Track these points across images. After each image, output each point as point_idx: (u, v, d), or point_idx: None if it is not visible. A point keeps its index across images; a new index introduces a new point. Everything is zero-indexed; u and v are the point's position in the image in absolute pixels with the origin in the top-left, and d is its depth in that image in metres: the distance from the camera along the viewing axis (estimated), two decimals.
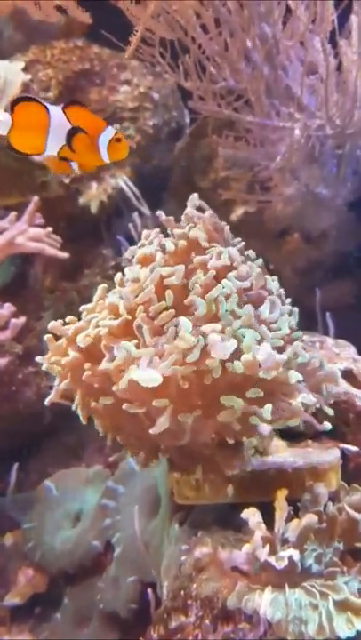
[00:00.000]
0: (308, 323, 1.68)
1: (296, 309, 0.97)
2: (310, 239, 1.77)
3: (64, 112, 0.86)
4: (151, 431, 0.82)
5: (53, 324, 0.95)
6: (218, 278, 0.89)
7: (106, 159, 0.88)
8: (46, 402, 0.96)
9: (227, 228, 1.02)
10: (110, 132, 0.87)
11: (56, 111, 0.86)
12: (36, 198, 1.51)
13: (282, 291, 0.98)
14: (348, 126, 1.44)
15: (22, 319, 1.39)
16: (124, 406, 0.83)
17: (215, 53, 1.39)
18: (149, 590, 1.11)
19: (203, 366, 0.80)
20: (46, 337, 0.95)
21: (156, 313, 0.85)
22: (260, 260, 0.99)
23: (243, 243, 1.02)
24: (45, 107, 0.86)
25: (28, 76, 1.71)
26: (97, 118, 0.89)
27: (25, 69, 1.73)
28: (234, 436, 0.87)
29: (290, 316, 0.93)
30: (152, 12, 1.29)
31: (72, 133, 0.85)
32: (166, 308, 0.86)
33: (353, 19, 1.38)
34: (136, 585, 1.15)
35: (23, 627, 1.27)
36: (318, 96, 1.42)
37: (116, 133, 0.87)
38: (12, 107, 0.85)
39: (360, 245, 1.76)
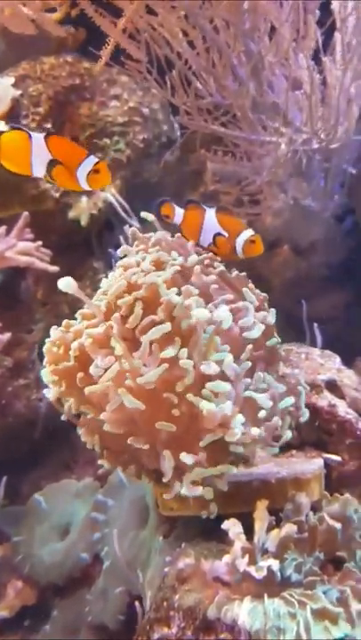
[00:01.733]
0: (298, 334, 1.70)
1: (273, 310, 0.98)
2: (299, 251, 1.79)
3: (46, 141, 0.91)
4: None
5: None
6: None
7: (86, 188, 0.92)
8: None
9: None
10: (90, 162, 0.91)
11: (38, 139, 0.92)
12: (25, 213, 1.53)
13: (265, 296, 0.99)
14: (333, 141, 1.46)
15: (7, 335, 1.40)
16: (129, 440, 0.84)
17: (201, 69, 1.41)
18: (137, 602, 1.12)
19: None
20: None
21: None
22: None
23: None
24: (30, 135, 0.92)
25: (19, 92, 1.73)
26: (77, 148, 0.93)
27: (15, 85, 1.75)
28: None
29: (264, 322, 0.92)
30: (134, 27, 1.31)
31: (51, 165, 0.91)
32: None
33: (336, 35, 1.41)
34: (123, 596, 1.16)
35: (13, 638, 1.27)
36: (304, 111, 1.45)
37: (96, 164, 0.91)
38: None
39: (348, 257, 1.77)
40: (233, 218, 1.03)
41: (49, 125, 1.74)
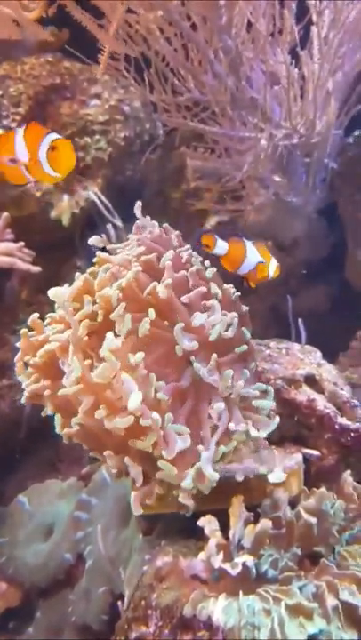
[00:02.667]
0: (283, 329, 1.70)
1: (247, 308, 0.99)
2: (283, 247, 1.79)
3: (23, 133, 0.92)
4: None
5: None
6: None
7: (48, 171, 0.88)
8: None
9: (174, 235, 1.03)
10: (48, 139, 0.87)
11: (19, 135, 0.92)
12: (5, 214, 1.52)
13: (237, 294, 0.99)
14: (312, 135, 1.46)
15: None
16: (130, 442, 0.84)
17: (179, 65, 1.41)
18: (119, 602, 1.11)
19: None
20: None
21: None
22: (213, 269, 1.00)
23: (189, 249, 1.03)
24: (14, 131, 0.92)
25: None
26: (40, 130, 0.91)
27: None
28: None
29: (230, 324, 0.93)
30: (115, 27, 1.30)
31: None
32: None
33: (313, 29, 1.40)
34: (107, 596, 1.15)
35: None
36: (283, 106, 1.44)
37: (55, 140, 0.87)
38: None
39: (331, 251, 1.77)
40: (262, 246, 1.13)
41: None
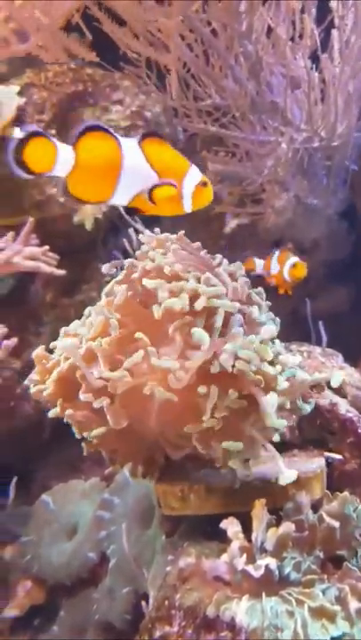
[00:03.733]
0: (302, 332, 1.71)
1: (278, 320, 0.99)
2: (303, 249, 1.79)
3: (141, 147, 0.68)
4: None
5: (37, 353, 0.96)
6: None
7: (189, 209, 0.72)
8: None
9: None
10: (195, 175, 0.70)
11: (131, 147, 0.68)
12: (31, 219, 1.55)
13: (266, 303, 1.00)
14: (333, 139, 1.46)
15: (14, 340, 1.43)
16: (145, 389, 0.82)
17: (200, 72, 1.42)
18: (143, 602, 1.13)
19: None
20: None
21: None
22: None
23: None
24: (117, 140, 0.67)
25: (23, 99, 1.76)
26: (179, 158, 0.72)
27: (20, 93, 1.78)
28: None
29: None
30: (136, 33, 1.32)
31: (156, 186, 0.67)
32: None
33: (334, 33, 1.41)
34: (130, 596, 1.17)
35: (22, 638, 1.29)
36: (303, 110, 1.45)
37: (202, 177, 0.72)
38: (77, 139, 0.66)
39: (352, 253, 1.77)
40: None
41: (53, 131, 1.76)
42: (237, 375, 0.82)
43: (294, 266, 1.15)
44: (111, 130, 0.66)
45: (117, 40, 1.41)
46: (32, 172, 0.64)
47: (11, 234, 1.57)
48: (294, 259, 1.15)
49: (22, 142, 0.64)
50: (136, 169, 0.67)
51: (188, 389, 0.82)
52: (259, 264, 1.11)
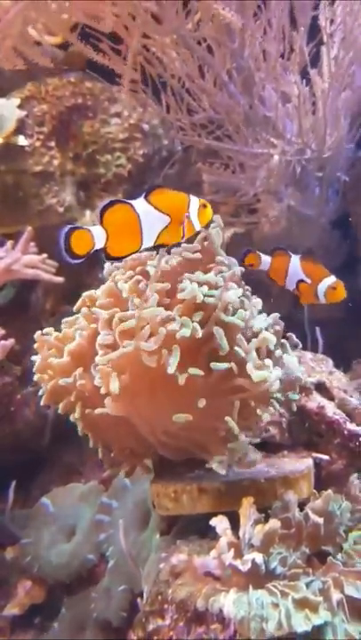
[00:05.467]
0: (299, 337, 1.74)
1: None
2: None
3: (148, 201, 0.86)
4: None
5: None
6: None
7: (198, 228, 0.89)
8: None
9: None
10: (195, 202, 0.87)
11: (141, 204, 0.86)
12: (29, 228, 1.59)
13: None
14: (323, 150, 1.51)
15: (11, 340, 1.47)
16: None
17: (194, 87, 1.47)
18: (138, 599, 1.16)
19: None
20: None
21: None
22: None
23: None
24: (130, 204, 0.86)
25: (24, 112, 1.81)
26: (178, 195, 0.88)
27: (21, 106, 1.83)
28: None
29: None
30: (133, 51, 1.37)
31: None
32: None
33: (323, 49, 1.46)
34: (126, 594, 1.20)
35: (23, 636, 1.32)
36: (295, 123, 1.50)
37: (199, 200, 0.88)
38: (101, 215, 0.84)
39: (345, 261, 1.81)
40: (316, 265, 1.07)
41: (52, 144, 1.81)
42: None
43: (334, 287, 1.05)
44: (123, 199, 0.88)
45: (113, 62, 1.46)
46: (79, 256, 0.87)
47: (10, 242, 1.62)
48: (332, 279, 1.05)
49: (67, 236, 0.85)
50: (150, 219, 0.86)
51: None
52: (265, 261, 1.05)
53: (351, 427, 1.08)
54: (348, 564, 0.87)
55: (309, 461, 1.06)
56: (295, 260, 1.06)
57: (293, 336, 1.07)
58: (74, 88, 1.89)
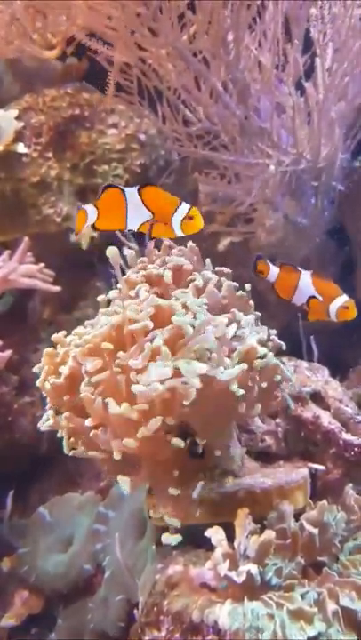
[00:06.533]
0: (294, 347, 1.75)
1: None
2: None
3: (139, 194, 0.97)
4: None
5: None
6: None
7: (180, 234, 0.97)
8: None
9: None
10: (183, 210, 0.95)
11: (131, 193, 0.98)
12: (26, 238, 1.61)
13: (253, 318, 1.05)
14: (318, 160, 1.52)
15: (8, 352, 1.48)
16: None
17: (190, 98, 1.49)
18: (135, 610, 1.16)
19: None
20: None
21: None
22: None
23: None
24: (122, 190, 0.98)
25: (21, 124, 1.82)
26: (169, 198, 0.97)
27: (19, 117, 1.84)
28: None
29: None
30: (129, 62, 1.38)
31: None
32: None
33: (317, 61, 1.47)
34: (123, 604, 1.20)
35: None
36: (289, 133, 1.51)
37: (189, 210, 0.95)
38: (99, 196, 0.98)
39: (341, 270, 1.82)
40: (328, 282, 1.09)
41: (50, 154, 1.83)
42: None
43: (346, 307, 1.06)
44: (118, 185, 1.01)
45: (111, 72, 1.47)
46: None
47: (7, 252, 1.63)
48: (344, 298, 1.06)
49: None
50: (134, 208, 0.98)
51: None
52: (273, 272, 1.07)
53: (347, 436, 1.09)
54: (343, 575, 0.88)
55: (305, 471, 1.06)
56: (306, 276, 1.08)
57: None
58: (71, 99, 1.91)
